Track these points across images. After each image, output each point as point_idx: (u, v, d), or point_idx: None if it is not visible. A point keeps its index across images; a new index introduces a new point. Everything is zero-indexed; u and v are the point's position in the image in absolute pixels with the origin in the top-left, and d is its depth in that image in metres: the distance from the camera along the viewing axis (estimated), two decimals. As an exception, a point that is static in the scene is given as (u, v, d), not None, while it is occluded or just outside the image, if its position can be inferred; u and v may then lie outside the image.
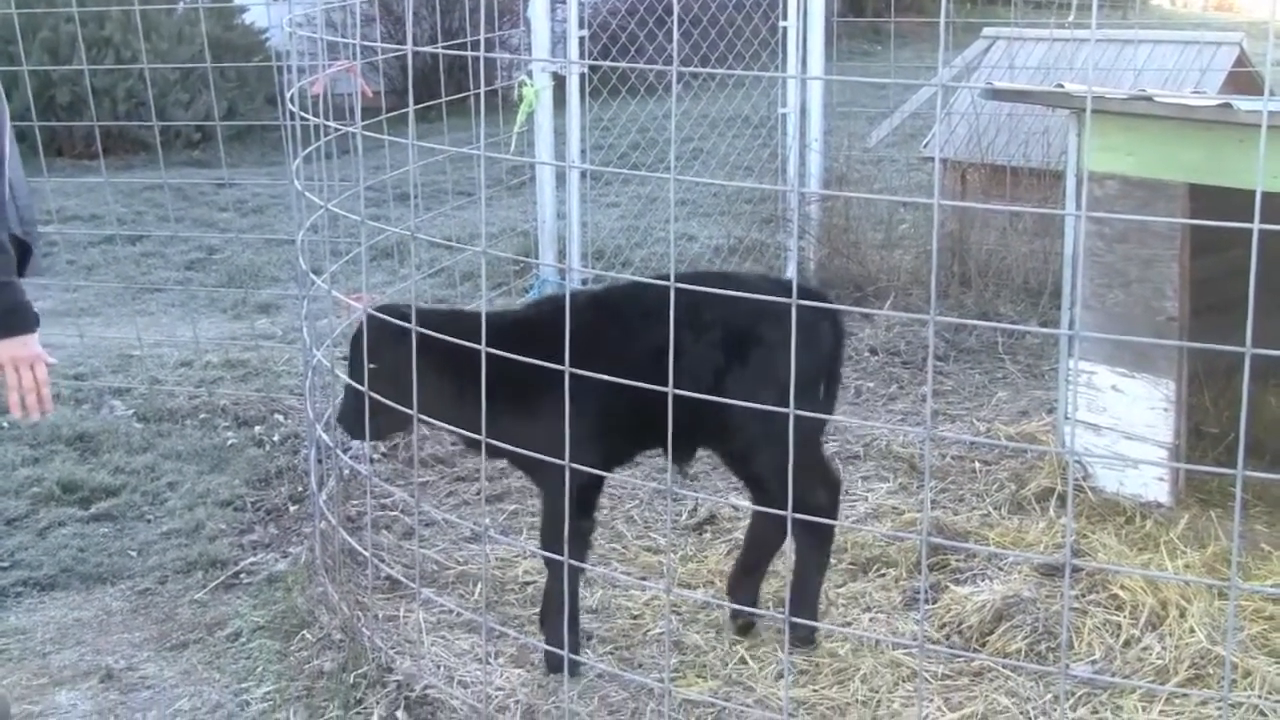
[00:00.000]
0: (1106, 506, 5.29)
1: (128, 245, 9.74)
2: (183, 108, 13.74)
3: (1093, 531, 5.08)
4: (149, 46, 12.43)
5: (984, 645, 4.38)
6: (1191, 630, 4.29)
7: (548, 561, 4.36)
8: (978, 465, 5.79)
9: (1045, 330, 3.62)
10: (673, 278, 3.38)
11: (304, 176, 4.95)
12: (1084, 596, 4.55)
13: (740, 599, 4.53)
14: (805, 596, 4.46)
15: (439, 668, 4.29)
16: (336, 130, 4.71)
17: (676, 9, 3.21)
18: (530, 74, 7.20)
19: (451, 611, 4.64)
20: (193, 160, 13.44)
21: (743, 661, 4.37)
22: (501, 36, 14.10)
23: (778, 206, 8.88)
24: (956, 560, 4.90)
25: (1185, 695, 4.03)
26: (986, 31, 9.63)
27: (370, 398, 4.10)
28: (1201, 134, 4.95)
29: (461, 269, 8.38)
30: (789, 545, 4.47)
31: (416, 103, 4.10)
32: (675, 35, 3.42)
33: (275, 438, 6.34)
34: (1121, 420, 5.39)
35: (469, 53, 4.26)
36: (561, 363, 3.48)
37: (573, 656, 4.08)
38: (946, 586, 4.71)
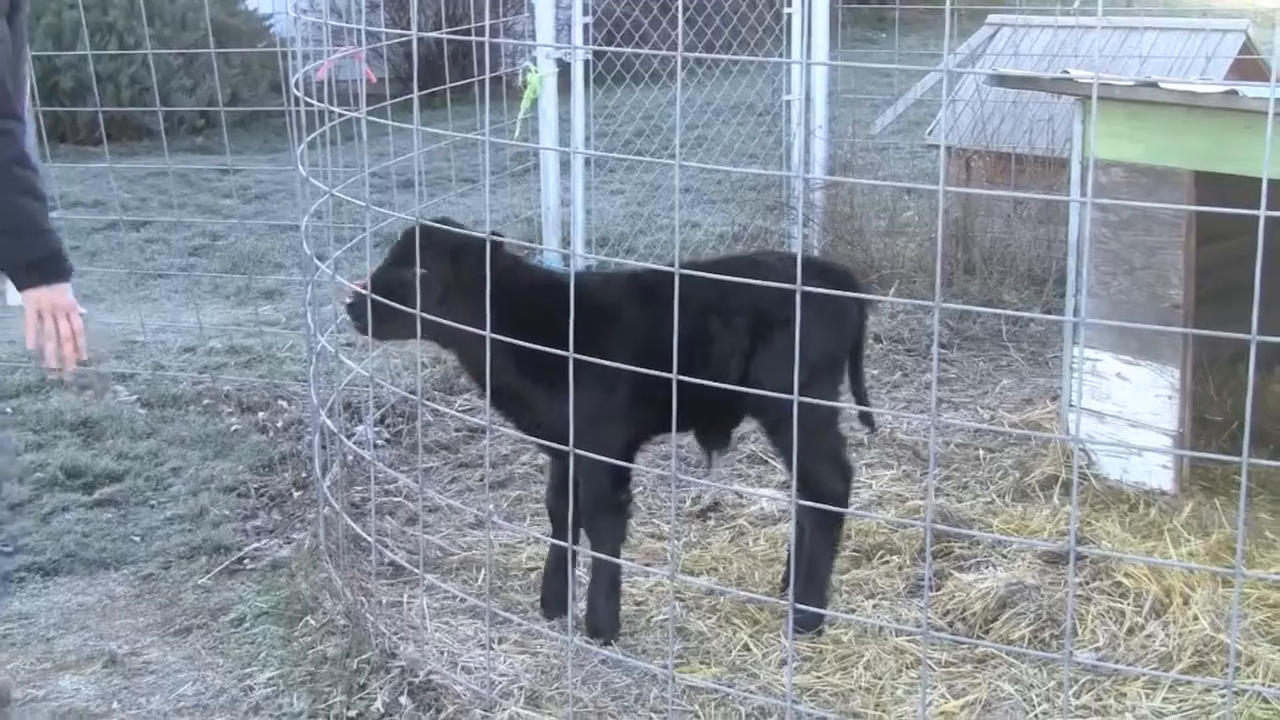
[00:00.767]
0: (1110, 494, 5.29)
1: (131, 231, 9.74)
2: (186, 94, 13.73)
3: (1096, 519, 5.08)
4: (152, 32, 12.41)
5: (988, 632, 4.39)
6: (1195, 618, 4.29)
7: (592, 533, 4.41)
8: (982, 453, 5.79)
9: (1050, 317, 3.62)
10: (676, 264, 3.38)
11: (308, 162, 4.95)
12: (1088, 584, 4.55)
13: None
14: (814, 582, 4.45)
15: (442, 653, 4.29)
16: (341, 116, 4.71)
17: (682, -6, 3.21)
18: (535, 61, 7.19)
19: (455, 597, 4.64)
20: (196, 146, 13.43)
21: (746, 648, 4.37)
22: (506, 23, 14.07)
23: (782, 193, 8.87)
24: (960, 547, 4.90)
25: (1189, 683, 4.03)
26: (991, 18, 9.60)
27: (391, 301, 4.08)
28: (1207, 121, 4.94)
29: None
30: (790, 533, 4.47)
31: (421, 89, 4.09)
32: (680, 21, 3.42)
33: (279, 424, 6.34)
34: (1126, 408, 5.39)
35: (474, 38, 4.26)
36: (603, 335, 3.54)
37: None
38: (950, 574, 4.71)
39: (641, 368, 3.64)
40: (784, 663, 4.22)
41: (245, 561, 5.15)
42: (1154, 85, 5.08)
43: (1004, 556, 4.80)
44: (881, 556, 4.93)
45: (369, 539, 4.52)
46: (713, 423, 4.51)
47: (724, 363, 4.30)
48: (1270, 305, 3.00)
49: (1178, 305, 5.22)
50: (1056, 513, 5.15)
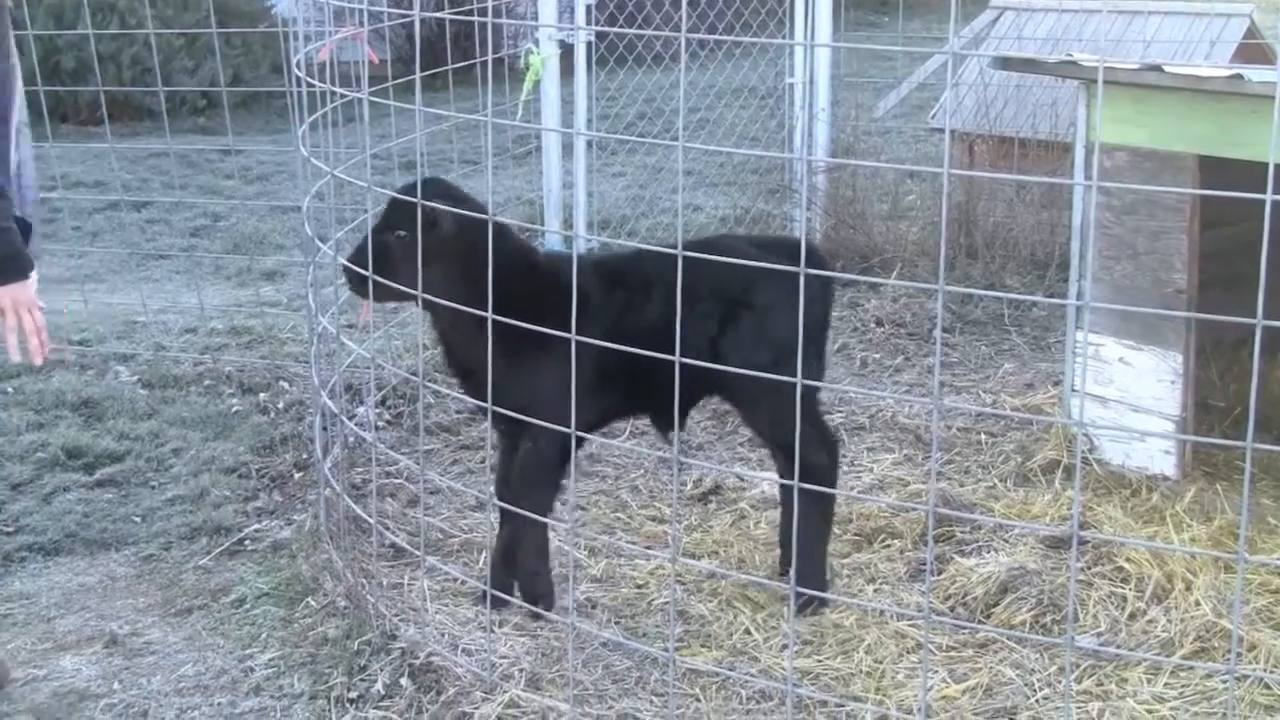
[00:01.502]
0: (1112, 479, 5.28)
1: (133, 212, 9.73)
2: (188, 74, 13.70)
3: (1098, 504, 5.08)
4: (154, 12, 12.38)
5: (989, 617, 4.38)
6: (1197, 603, 4.29)
7: (524, 502, 4.31)
8: (983, 437, 5.79)
9: (1054, 301, 3.61)
10: (679, 247, 3.37)
11: (310, 144, 4.93)
12: (1089, 569, 4.54)
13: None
14: (809, 560, 4.42)
15: (443, 635, 4.28)
16: (343, 97, 4.69)
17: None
18: (537, 42, 7.17)
19: (456, 579, 4.64)
20: (198, 127, 13.41)
21: (747, 632, 4.37)
22: (508, 4, 14.04)
23: (784, 177, 8.85)
24: (962, 532, 4.89)
25: (1191, 668, 4.03)
26: (995, 2, 9.57)
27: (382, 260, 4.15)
28: (1212, 105, 4.92)
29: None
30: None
31: (423, 70, 4.07)
32: (683, 2, 3.40)
33: (280, 405, 6.33)
34: (1128, 393, 5.38)
35: (476, 19, 4.24)
36: (575, 318, 3.56)
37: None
38: (952, 558, 4.70)
39: (615, 358, 3.67)
40: (785, 646, 4.22)
41: (246, 543, 5.14)
42: (1159, 69, 5.06)
43: (1005, 541, 4.80)
44: (883, 540, 4.93)
45: (370, 521, 4.52)
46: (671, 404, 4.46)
47: (690, 344, 4.26)
48: (1274, 290, 2.99)
49: (1181, 290, 5.21)
50: (1058, 497, 5.15)
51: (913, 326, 7.28)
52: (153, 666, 4.36)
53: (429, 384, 5.05)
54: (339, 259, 4.42)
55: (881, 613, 4.42)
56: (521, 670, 4.06)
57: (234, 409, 6.34)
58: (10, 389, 6.49)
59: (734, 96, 9.41)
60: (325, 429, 5.22)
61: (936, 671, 4.10)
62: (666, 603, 4.50)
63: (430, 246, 4.05)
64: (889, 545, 4.90)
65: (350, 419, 5.41)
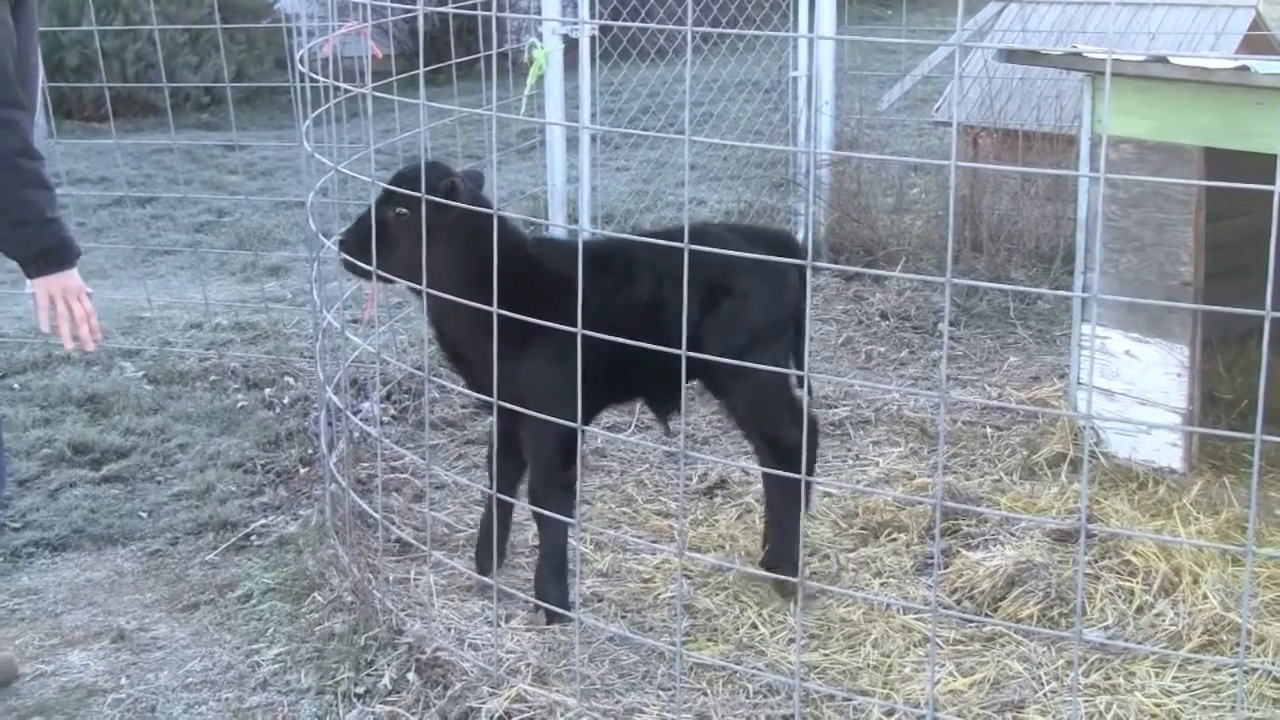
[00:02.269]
0: (1119, 472, 5.27)
1: (137, 208, 9.73)
2: (192, 70, 13.69)
3: (1105, 497, 5.07)
4: (158, 8, 12.37)
5: (996, 610, 4.38)
6: (1205, 596, 4.28)
7: (541, 507, 4.38)
8: (989, 430, 5.78)
9: (1060, 293, 3.61)
10: (685, 241, 3.37)
11: (314, 139, 4.93)
12: (1097, 562, 4.54)
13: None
14: (782, 540, 4.52)
15: (449, 630, 4.28)
16: (346, 92, 4.68)
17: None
18: (540, 36, 7.16)
19: (462, 574, 4.64)
20: (202, 123, 13.41)
21: (754, 626, 4.37)
22: (511, -1, 14.05)
23: (788, 170, 8.84)
24: (968, 525, 4.89)
25: (1199, 661, 4.02)
26: (999, -6, 9.57)
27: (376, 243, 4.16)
28: (1218, 97, 4.91)
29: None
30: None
31: (426, 65, 4.07)
32: (689, -5, 3.40)
33: (285, 400, 6.33)
34: (1134, 385, 5.37)
35: (479, 13, 4.24)
36: (563, 306, 3.57)
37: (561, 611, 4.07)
38: (958, 552, 4.70)
39: (597, 335, 3.68)
40: (792, 640, 4.22)
41: (252, 538, 5.15)
42: (1164, 61, 5.05)
43: (1012, 535, 4.79)
44: (889, 534, 4.92)
45: (376, 515, 4.52)
46: (665, 387, 4.51)
47: (674, 329, 4.30)
48: (1283, 282, 2.98)
49: (1187, 282, 5.20)
50: (1065, 491, 5.14)
51: (918, 320, 7.28)
52: (160, 662, 4.37)
53: (434, 379, 5.05)
54: (334, 240, 4.44)
55: (888, 607, 4.42)
56: (528, 665, 4.06)
57: (239, 404, 6.34)
58: (16, 385, 6.50)
59: (738, 90, 9.41)
60: (330, 424, 5.22)
61: (944, 665, 4.09)
62: (673, 597, 4.50)
63: (430, 227, 4.04)
64: (895, 539, 4.89)
65: (355, 414, 5.40)
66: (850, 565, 4.74)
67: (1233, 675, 3.96)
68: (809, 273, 3.24)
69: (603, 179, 8.72)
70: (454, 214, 4.08)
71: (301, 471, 5.65)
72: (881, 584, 4.63)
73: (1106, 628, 4.25)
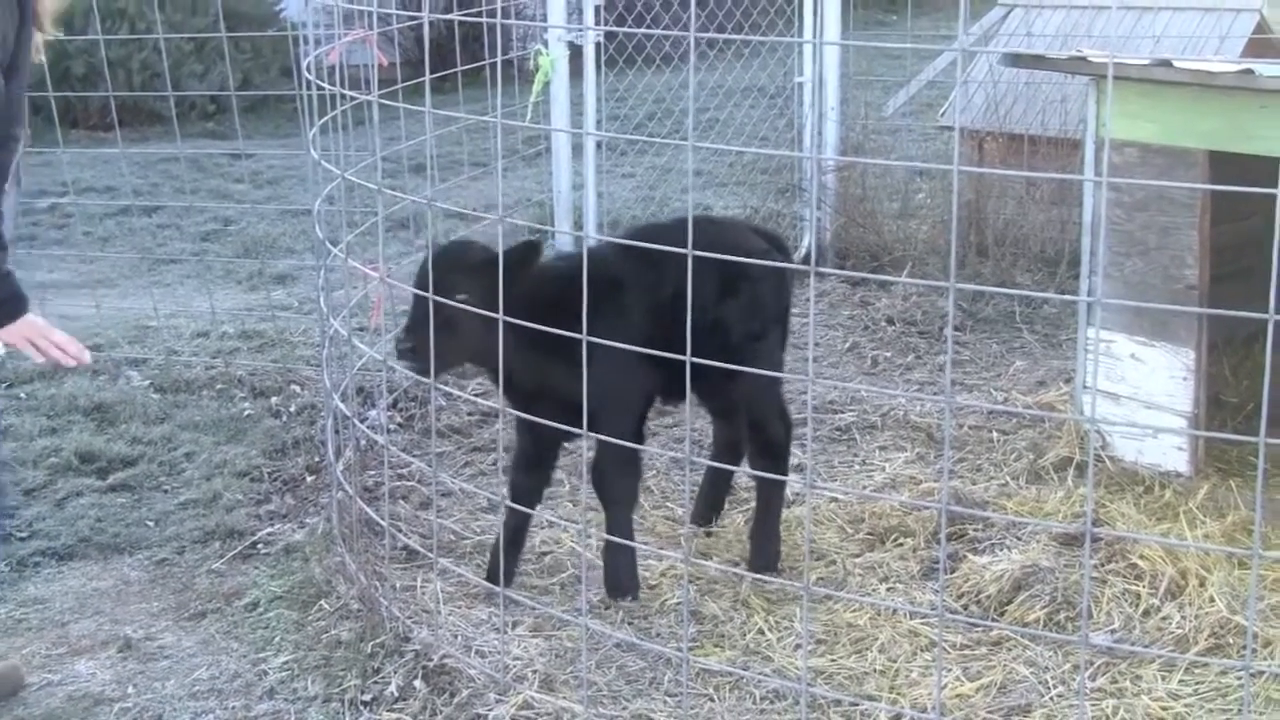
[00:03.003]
0: (1125, 476, 5.27)
1: (143, 217, 9.73)
2: (197, 79, 13.71)
3: (1111, 501, 5.07)
4: (163, 17, 12.40)
5: (1002, 615, 4.38)
6: (1211, 600, 4.28)
7: (607, 501, 4.59)
8: (995, 435, 5.78)
9: (1065, 298, 3.60)
10: (689, 247, 3.37)
11: (320, 147, 4.94)
12: (1103, 566, 4.54)
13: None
14: (768, 525, 4.80)
15: (456, 637, 4.29)
16: (352, 100, 4.70)
17: (694, -25, 3.19)
18: (546, 43, 7.17)
19: (469, 581, 4.64)
20: (208, 132, 13.43)
21: (760, 631, 4.37)
22: (517, 5, 14.05)
23: (794, 176, 8.84)
24: (974, 530, 4.89)
25: (1205, 665, 4.02)
26: (1004, -1, 9.56)
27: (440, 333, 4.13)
28: (1222, 100, 4.91)
29: (478, 239, 8.35)
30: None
31: (432, 73, 4.08)
32: (692, 2, 3.40)
33: (292, 408, 6.34)
34: (1140, 389, 5.37)
35: (484, 20, 4.24)
36: (594, 314, 3.68)
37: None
38: (964, 556, 4.70)
39: (651, 335, 3.78)
40: (799, 646, 4.22)
41: (259, 546, 5.15)
42: (1168, 65, 5.05)
43: (1018, 539, 4.79)
44: (895, 539, 4.92)
45: (382, 523, 4.52)
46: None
47: (698, 321, 4.44)
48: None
49: (1193, 286, 5.20)
50: (1071, 495, 5.14)
51: (923, 325, 7.28)
52: (167, 671, 4.37)
53: (440, 386, 5.05)
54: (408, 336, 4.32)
55: (895, 611, 4.42)
56: (535, 672, 4.06)
57: (246, 413, 6.35)
58: (23, 394, 6.51)
59: (743, 96, 9.41)
60: (337, 432, 5.22)
61: (950, 670, 4.09)
62: (680, 603, 4.50)
63: (490, 301, 4.00)
64: (902, 544, 4.89)
65: (362, 422, 5.41)
66: (857, 570, 4.74)
67: (1239, 678, 3.95)
68: (812, 277, 3.25)
69: (608, 185, 8.72)
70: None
71: (308, 479, 5.66)
72: (888, 589, 4.63)
73: (1113, 631, 4.25)
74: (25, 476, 5.68)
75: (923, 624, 4.33)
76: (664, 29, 8.00)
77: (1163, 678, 4.01)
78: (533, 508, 4.69)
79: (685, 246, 3.41)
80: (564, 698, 3.92)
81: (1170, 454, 5.28)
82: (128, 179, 10.13)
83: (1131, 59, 5.41)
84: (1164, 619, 4.27)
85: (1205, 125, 5.01)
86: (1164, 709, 3.86)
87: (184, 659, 4.43)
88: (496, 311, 3.90)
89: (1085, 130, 5.52)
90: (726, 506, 5.26)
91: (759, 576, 4.52)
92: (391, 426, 5.96)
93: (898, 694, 4.00)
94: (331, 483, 5.11)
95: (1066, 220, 7.85)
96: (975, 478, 5.42)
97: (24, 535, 5.25)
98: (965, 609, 4.44)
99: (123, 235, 9.50)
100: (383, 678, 4.11)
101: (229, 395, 6.55)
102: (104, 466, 5.80)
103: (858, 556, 4.83)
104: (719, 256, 3.70)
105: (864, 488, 5.39)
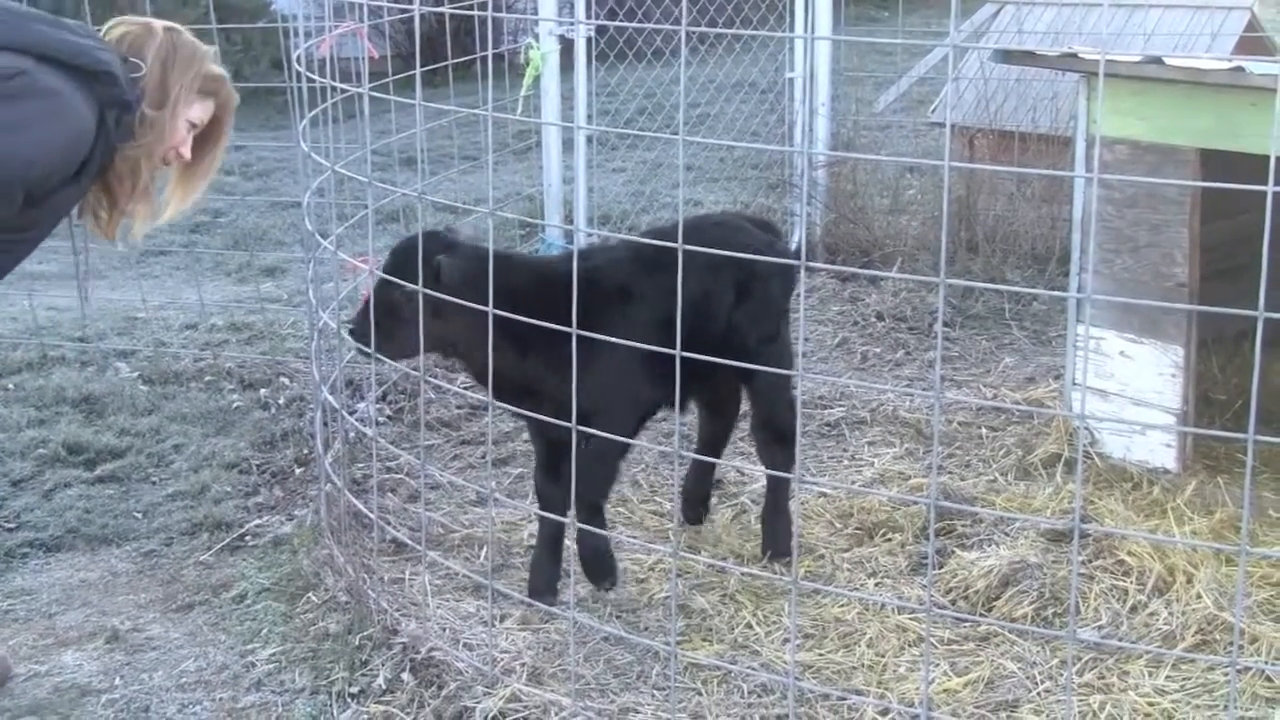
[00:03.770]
0: (1113, 472, 5.28)
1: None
2: (187, 71, 13.65)
3: (1099, 497, 5.08)
4: (153, 9, 12.36)
5: (990, 610, 4.38)
6: (1198, 596, 4.29)
7: (579, 495, 4.44)
8: (984, 431, 5.78)
9: (1055, 294, 3.61)
10: (679, 241, 3.37)
11: (310, 139, 4.93)
12: (1091, 562, 4.55)
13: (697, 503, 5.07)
14: (780, 512, 4.82)
15: (444, 630, 4.28)
16: (343, 93, 4.69)
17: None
18: (537, 37, 7.16)
19: (457, 574, 4.64)
20: (198, 123, 13.38)
21: (749, 626, 4.37)
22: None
23: (784, 171, 8.84)
24: (963, 525, 4.89)
25: (1192, 661, 4.03)
26: (995, -4, 9.57)
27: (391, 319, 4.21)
28: (1213, 98, 4.92)
29: (467, 233, 8.35)
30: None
31: (423, 66, 4.07)
32: (684, -4, 3.40)
33: (280, 400, 6.33)
34: (1129, 386, 5.38)
35: (475, 13, 4.24)
36: (598, 314, 3.75)
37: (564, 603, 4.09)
38: (953, 551, 4.71)
39: (651, 341, 3.79)
40: (786, 640, 4.22)
41: (247, 538, 5.14)
42: (1160, 62, 5.05)
43: (1006, 535, 4.80)
44: (884, 534, 4.93)
45: (371, 516, 4.52)
46: (701, 380, 4.70)
47: (716, 321, 4.59)
48: (1275, 283, 2.99)
49: (1182, 283, 5.21)
50: (1059, 491, 5.15)
51: (913, 321, 7.28)
52: (154, 662, 4.36)
53: (429, 379, 5.04)
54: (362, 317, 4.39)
55: (883, 606, 4.42)
56: (523, 665, 4.06)
57: (234, 405, 6.34)
58: (11, 385, 6.49)
59: (734, 91, 9.41)
60: (326, 424, 5.22)
61: (938, 665, 4.10)
62: (668, 597, 4.50)
63: (447, 295, 4.04)
64: (890, 539, 4.90)
65: (351, 414, 5.40)
66: (845, 565, 4.75)
67: (1226, 674, 3.96)
68: (803, 273, 3.26)
69: (599, 180, 8.71)
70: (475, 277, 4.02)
71: (297, 472, 5.65)
72: (876, 584, 4.63)
73: (1100, 627, 4.26)
74: (13, 467, 5.67)
75: (911, 619, 4.33)
76: (655, 23, 7.99)
77: (1150, 673, 4.01)
78: (564, 513, 4.52)
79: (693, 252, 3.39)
80: (552, 690, 3.92)
81: (1158, 451, 5.29)
82: (117, 170, 10.08)
83: (1123, 56, 5.41)
84: (1151, 615, 4.28)
85: (1196, 123, 5.01)
86: (1151, 704, 3.86)
87: (171, 650, 4.43)
88: (449, 308, 3.97)
89: (1076, 127, 5.53)
90: (716, 500, 5.26)
91: (747, 570, 4.52)
92: (380, 419, 5.95)
93: (885, 688, 4.00)
94: (320, 475, 5.11)
95: (1056, 217, 7.87)
96: (964, 473, 5.42)
97: (11, 526, 5.24)
98: (953, 604, 4.44)
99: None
100: (370, 670, 4.10)
101: (218, 387, 6.54)
102: (92, 458, 5.79)
103: (846, 551, 4.83)
104: (732, 255, 3.74)
105: (853, 483, 5.39)
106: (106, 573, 4.96)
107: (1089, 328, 5.45)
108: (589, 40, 7.40)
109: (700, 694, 3.98)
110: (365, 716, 3.94)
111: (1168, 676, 4.00)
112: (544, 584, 4.54)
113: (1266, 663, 4.01)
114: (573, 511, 4.46)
